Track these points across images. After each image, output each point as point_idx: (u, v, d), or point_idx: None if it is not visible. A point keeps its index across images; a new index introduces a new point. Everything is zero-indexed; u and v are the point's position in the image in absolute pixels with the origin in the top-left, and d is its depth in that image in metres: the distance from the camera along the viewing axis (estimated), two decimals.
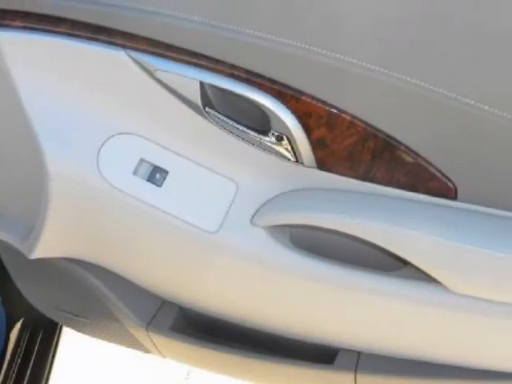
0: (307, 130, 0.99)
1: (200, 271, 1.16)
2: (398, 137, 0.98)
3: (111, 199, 1.10)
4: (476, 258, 0.96)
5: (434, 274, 0.99)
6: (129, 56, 1.03)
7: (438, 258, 0.98)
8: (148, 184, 1.10)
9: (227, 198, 1.09)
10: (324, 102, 0.98)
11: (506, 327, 1.03)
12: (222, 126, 1.03)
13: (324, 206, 1.04)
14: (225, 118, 1.02)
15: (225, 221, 1.09)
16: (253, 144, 1.04)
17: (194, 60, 1.00)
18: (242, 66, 0.98)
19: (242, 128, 1.02)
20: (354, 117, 0.98)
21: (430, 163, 0.98)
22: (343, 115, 0.97)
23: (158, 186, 1.10)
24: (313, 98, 0.97)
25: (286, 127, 0.99)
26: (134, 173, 1.10)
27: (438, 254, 0.98)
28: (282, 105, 0.98)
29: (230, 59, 0.99)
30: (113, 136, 1.10)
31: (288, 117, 0.99)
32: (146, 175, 1.10)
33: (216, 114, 1.02)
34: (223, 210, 1.09)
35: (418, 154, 0.98)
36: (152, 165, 1.10)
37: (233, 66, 0.99)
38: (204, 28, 0.97)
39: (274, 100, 0.98)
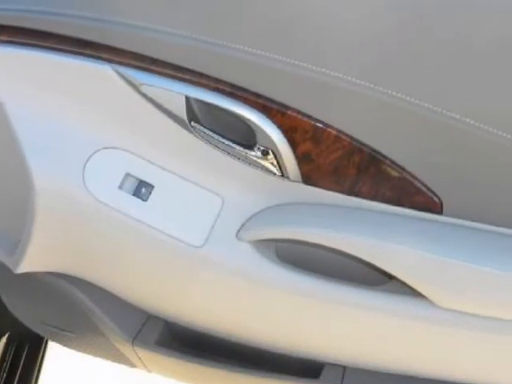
0: (293, 144, 0.99)
1: (186, 285, 1.15)
2: (384, 151, 0.98)
3: (97, 213, 1.09)
4: (461, 273, 0.95)
5: (419, 289, 0.99)
6: (114, 70, 1.02)
7: (424, 272, 0.97)
8: (134, 198, 1.09)
9: (213, 212, 1.09)
10: (310, 117, 0.97)
11: (491, 342, 1.02)
12: (208, 141, 1.03)
13: (309, 220, 1.03)
14: (210, 133, 1.02)
15: (210, 235, 1.08)
16: (238, 158, 1.03)
17: (180, 74, 0.99)
18: (228, 80, 0.98)
19: (227, 142, 1.02)
20: (339, 131, 0.97)
21: (415, 177, 0.98)
22: (329, 129, 0.97)
23: (143, 200, 1.09)
24: (298, 112, 0.97)
25: (272, 141, 0.99)
26: (120, 187, 1.09)
27: (424, 269, 0.97)
28: (267, 119, 0.98)
29: (215, 73, 0.98)
30: (98, 150, 1.09)
31: (273, 131, 0.98)
32: (132, 189, 1.09)
33: (202, 128, 1.02)
34: (209, 225, 1.08)
35: (403, 169, 0.98)
36: (137, 179, 1.09)
37: (218, 80, 0.98)
38: (189, 42, 0.97)
39: (260, 114, 0.98)
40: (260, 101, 0.97)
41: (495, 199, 0.97)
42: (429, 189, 0.99)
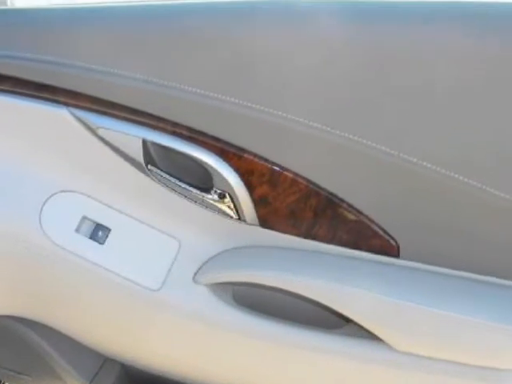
0: (250, 187, 0.98)
1: (142, 329, 1.12)
2: (341, 194, 0.97)
3: (54, 257, 1.07)
4: (417, 316, 0.95)
5: (376, 332, 0.98)
6: (71, 113, 1.01)
7: (380, 315, 0.96)
8: (90, 241, 1.08)
9: (170, 255, 1.08)
10: (266, 160, 0.97)
11: None
12: (165, 184, 1.01)
13: (266, 263, 1.02)
14: (167, 176, 1.01)
15: (167, 278, 1.07)
16: (195, 201, 1.02)
17: (136, 118, 0.98)
18: (185, 123, 0.97)
19: (184, 186, 1.01)
20: (296, 174, 0.97)
21: (372, 221, 0.98)
22: (285, 173, 0.96)
23: (100, 243, 1.07)
24: (255, 155, 0.96)
25: (229, 185, 0.98)
26: (77, 230, 1.07)
27: (380, 312, 0.96)
28: (224, 162, 0.97)
29: (172, 117, 0.97)
30: (55, 193, 1.07)
31: (230, 174, 0.97)
32: (89, 233, 1.08)
33: (158, 171, 1.01)
34: (166, 268, 1.07)
35: (360, 212, 0.98)
36: (94, 222, 1.08)
37: (175, 124, 0.97)
38: (146, 85, 0.96)
39: (217, 158, 0.97)
40: (217, 144, 0.96)
41: (451, 242, 0.97)
42: (385, 232, 0.98)
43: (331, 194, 0.97)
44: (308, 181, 0.97)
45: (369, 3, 0.92)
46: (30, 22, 1.03)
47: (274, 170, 0.96)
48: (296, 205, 0.99)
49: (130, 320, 1.12)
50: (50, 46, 1.00)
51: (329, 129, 0.92)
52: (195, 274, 1.07)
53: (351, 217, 0.98)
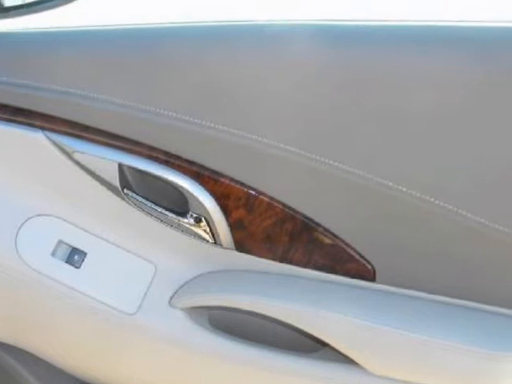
0: (225, 211, 0.98)
1: (118, 353, 1.11)
2: (316, 218, 0.97)
3: (29, 280, 1.06)
4: (393, 340, 0.94)
5: (352, 356, 0.97)
6: (47, 138, 1.00)
7: (356, 339, 0.96)
8: (66, 265, 1.06)
9: (146, 279, 1.06)
10: (242, 184, 0.96)
11: None
12: (141, 208, 1.01)
13: (242, 287, 1.01)
14: (143, 200, 1.00)
15: (143, 302, 1.05)
16: (171, 225, 1.01)
17: (112, 142, 0.98)
18: (161, 147, 0.96)
19: (160, 209, 1.00)
20: (272, 198, 0.96)
21: (348, 245, 0.97)
22: (261, 197, 0.96)
23: (76, 267, 1.06)
24: (231, 179, 0.96)
25: (205, 209, 0.97)
26: (53, 254, 1.06)
27: (356, 336, 0.95)
28: (200, 186, 0.97)
29: (148, 141, 0.97)
30: (31, 218, 1.07)
31: (206, 198, 0.97)
32: (65, 257, 1.07)
33: (134, 195, 1.00)
34: (142, 292, 1.06)
35: (336, 236, 0.97)
36: (70, 246, 1.07)
37: (151, 148, 0.97)
38: (122, 109, 0.95)
39: (193, 182, 0.96)
40: (193, 168, 0.96)
41: (427, 266, 0.96)
42: (361, 256, 0.97)
43: (307, 218, 0.97)
44: (284, 205, 0.96)
45: (345, 27, 0.92)
46: (5, 45, 1.02)
47: (250, 193, 0.96)
48: (272, 229, 0.98)
49: (105, 344, 1.11)
50: (25, 70, 1.00)
51: (305, 153, 0.92)
52: (171, 298, 1.06)
53: (327, 241, 0.97)
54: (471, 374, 0.94)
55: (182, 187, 0.97)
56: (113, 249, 1.07)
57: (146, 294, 1.06)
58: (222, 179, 0.96)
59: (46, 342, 1.17)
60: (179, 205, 0.99)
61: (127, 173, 0.99)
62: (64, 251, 1.07)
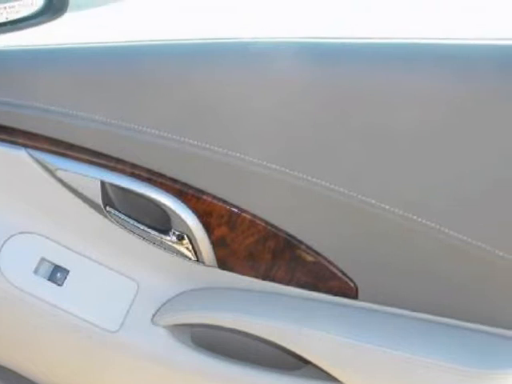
0: (208, 229, 0.97)
1: (100, 371, 1.10)
2: (299, 236, 0.96)
3: (11, 298, 1.05)
4: (376, 358, 0.93)
5: (334, 374, 0.96)
6: (30, 155, 0.99)
7: (339, 357, 0.95)
8: (49, 283, 1.06)
9: (128, 296, 1.06)
10: (225, 201, 0.95)
11: None
12: (123, 225, 1.00)
13: (224, 305, 1.01)
14: (125, 217, 0.99)
15: (125, 320, 1.05)
16: (153, 243, 1.00)
17: (95, 159, 0.97)
18: (143, 165, 0.95)
19: (142, 227, 0.99)
20: (254, 216, 0.95)
21: (330, 262, 0.96)
22: (244, 214, 0.95)
23: (58, 285, 1.05)
24: (213, 197, 0.95)
25: (187, 226, 0.96)
26: (35, 272, 1.06)
27: (339, 354, 0.95)
28: (182, 204, 0.96)
29: (130, 158, 0.96)
30: (14, 235, 1.05)
31: (189, 216, 0.96)
32: (47, 274, 1.06)
33: (117, 213, 0.99)
34: (124, 309, 1.05)
35: (318, 253, 0.96)
36: (53, 264, 1.06)
37: (133, 166, 0.96)
38: (105, 127, 0.94)
39: (175, 199, 0.96)
40: (175, 186, 0.95)
41: (409, 284, 0.96)
42: (344, 273, 0.97)
43: (289, 235, 0.96)
44: (266, 222, 0.96)
45: (329, 44, 0.92)
46: None
47: (233, 211, 0.95)
48: (254, 246, 0.97)
49: (88, 362, 1.10)
50: (7, 87, 0.99)
51: (287, 170, 0.91)
52: (154, 315, 1.05)
53: (309, 258, 0.96)
54: None
55: (164, 205, 0.96)
56: (95, 266, 1.06)
57: (128, 311, 1.05)
58: (205, 197, 0.95)
59: (28, 360, 1.16)
60: (162, 222, 0.98)
61: (110, 190, 0.98)
62: (47, 269, 1.07)
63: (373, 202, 0.90)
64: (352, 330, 0.96)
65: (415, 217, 0.89)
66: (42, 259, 1.06)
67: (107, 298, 1.06)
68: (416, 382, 0.94)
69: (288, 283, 1.00)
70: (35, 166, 1.00)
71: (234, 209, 0.95)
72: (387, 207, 0.89)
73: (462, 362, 0.92)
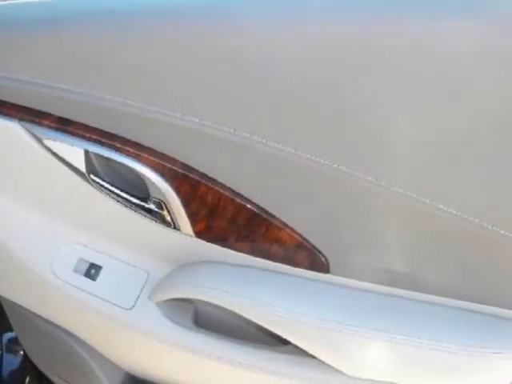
0: (181, 197, 0.95)
1: (121, 340, 1.17)
2: (273, 211, 0.94)
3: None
4: (347, 336, 0.92)
5: (311, 352, 0.97)
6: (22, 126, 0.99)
7: (312, 336, 0.95)
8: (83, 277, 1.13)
9: (140, 282, 1.12)
10: (197, 172, 0.93)
11: None
12: (107, 194, 1.00)
13: (205, 281, 1.03)
14: (109, 186, 0.99)
15: (136, 301, 1.10)
16: (135, 211, 1.01)
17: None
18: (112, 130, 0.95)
19: (124, 195, 0.99)
20: (228, 189, 0.93)
21: (303, 237, 0.94)
22: (211, 185, 0.94)
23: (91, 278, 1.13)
24: (184, 165, 0.93)
25: (162, 194, 0.96)
26: (75, 270, 1.12)
27: (312, 333, 0.95)
28: (155, 172, 0.95)
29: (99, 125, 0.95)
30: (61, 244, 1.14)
31: (162, 184, 0.95)
32: (83, 271, 1.13)
33: (100, 181, 1.00)
34: (137, 293, 1.11)
35: (291, 228, 0.94)
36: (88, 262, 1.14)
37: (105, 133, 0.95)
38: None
39: (148, 167, 0.94)
40: (144, 153, 0.94)
41: (376, 257, 0.94)
42: (315, 248, 0.94)
43: (263, 210, 0.94)
44: (241, 196, 0.93)
45: None
46: None
47: (202, 181, 0.94)
48: (229, 221, 0.96)
49: (110, 333, 1.16)
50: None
51: (260, 139, 0.86)
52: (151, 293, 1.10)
53: (282, 233, 0.95)
54: (427, 368, 0.94)
55: (139, 172, 0.95)
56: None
57: (139, 294, 1.11)
58: (176, 166, 0.94)
59: (76, 332, 1.22)
60: (142, 190, 0.98)
61: (93, 159, 0.98)
62: (82, 266, 1.13)
63: (344, 169, 0.85)
64: (325, 309, 0.95)
65: (387, 184, 0.84)
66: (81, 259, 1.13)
67: (124, 286, 1.12)
68: (392, 360, 0.94)
69: (264, 257, 0.98)
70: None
71: (205, 181, 0.93)
72: (361, 175, 0.85)
73: (439, 338, 0.91)
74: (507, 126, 0.80)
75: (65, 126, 0.95)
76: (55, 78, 0.92)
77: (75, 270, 1.11)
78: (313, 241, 0.94)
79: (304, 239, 0.94)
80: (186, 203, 0.95)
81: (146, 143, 0.92)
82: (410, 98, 0.80)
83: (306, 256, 0.95)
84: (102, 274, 1.12)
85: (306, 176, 0.87)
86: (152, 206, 0.97)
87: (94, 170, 0.98)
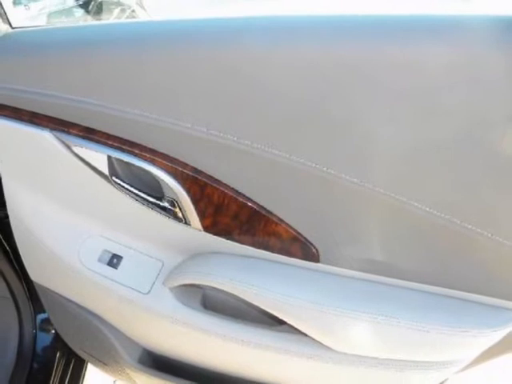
0: (191, 197, 1.02)
1: (139, 320, 1.23)
2: (269, 207, 1.00)
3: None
4: (338, 318, 0.97)
5: (306, 332, 1.02)
6: (53, 135, 1.06)
7: (307, 318, 1.00)
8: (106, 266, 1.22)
9: (155, 270, 1.19)
10: (213, 179, 1.00)
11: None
12: (127, 194, 1.08)
13: (212, 269, 1.09)
14: (128, 186, 1.07)
15: (152, 286, 1.18)
16: (152, 208, 1.07)
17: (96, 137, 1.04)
18: (138, 141, 1.01)
19: (143, 195, 1.07)
20: (231, 189, 1.00)
21: (297, 231, 1.00)
22: (222, 188, 1.00)
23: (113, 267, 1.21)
24: (195, 170, 1.00)
25: (175, 194, 1.02)
26: (99, 260, 1.21)
27: (306, 315, 1.00)
28: (170, 176, 1.02)
29: (125, 135, 1.02)
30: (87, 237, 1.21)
31: (175, 186, 1.02)
32: (106, 260, 1.21)
33: (121, 182, 1.07)
34: (152, 279, 1.19)
35: (286, 223, 1.00)
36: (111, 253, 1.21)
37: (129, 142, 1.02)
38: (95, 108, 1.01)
39: (164, 171, 1.02)
40: (159, 158, 1.01)
41: (363, 247, 0.98)
42: (308, 240, 1.00)
43: (261, 206, 1.00)
44: (243, 196, 1.00)
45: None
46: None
47: (210, 184, 1.00)
48: (232, 217, 1.03)
49: (129, 314, 1.24)
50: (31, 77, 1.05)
51: (259, 146, 0.93)
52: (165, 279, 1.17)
53: (279, 227, 1.01)
54: (412, 346, 1.00)
55: (156, 176, 1.02)
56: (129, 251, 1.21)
57: (154, 281, 1.19)
58: (187, 170, 1.00)
59: (100, 313, 1.31)
60: (158, 191, 1.05)
61: (115, 163, 1.05)
62: (106, 256, 1.21)
63: (332, 172, 0.91)
64: (316, 294, 1.00)
65: (370, 185, 0.90)
66: (105, 250, 1.21)
67: (142, 273, 1.20)
68: (381, 339, 0.99)
69: (264, 248, 1.05)
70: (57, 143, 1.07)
71: (212, 182, 1.01)
72: (347, 177, 0.91)
73: (421, 319, 0.97)
74: (472, 135, 0.84)
75: (90, 134, 1.03)
76: (82, 93, 0.99)
77: (99, 260, 1.20)
78: (305, 234, 1.00)
79: (298, 233, 1.00)
80: (196, 202, 1.02)
81: (161, 149, 1.00)
82: (389, 110, 0.85)
83: (300, 248, 1.01)
84: (123, 263, 1.20)
85: (299, 178, 0.93)
86: (166, 204, 1.04)
87: (115, 172, 1.06)
